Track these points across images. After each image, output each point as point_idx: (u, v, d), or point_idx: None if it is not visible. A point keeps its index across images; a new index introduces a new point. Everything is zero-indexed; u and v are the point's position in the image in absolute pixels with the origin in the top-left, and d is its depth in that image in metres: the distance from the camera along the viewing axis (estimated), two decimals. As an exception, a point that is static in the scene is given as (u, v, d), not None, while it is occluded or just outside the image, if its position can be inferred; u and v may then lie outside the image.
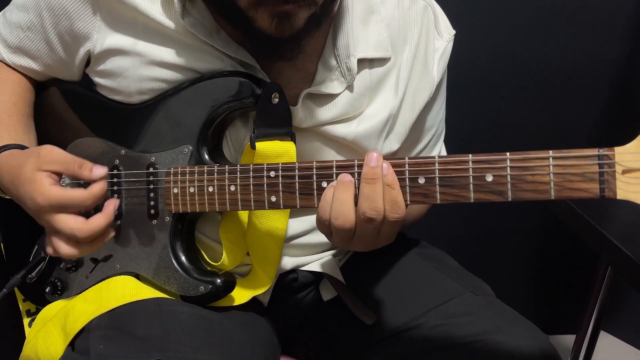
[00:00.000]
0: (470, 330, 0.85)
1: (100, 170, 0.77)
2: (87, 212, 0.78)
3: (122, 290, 0.83)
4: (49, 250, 0.79)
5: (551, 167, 0.62)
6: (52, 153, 0.78)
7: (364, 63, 0.84)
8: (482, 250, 1.73)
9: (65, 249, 0.77)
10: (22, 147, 0.84)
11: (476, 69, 1.52)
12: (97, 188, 0.77)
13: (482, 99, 1.57)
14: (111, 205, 0.79)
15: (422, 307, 0.90)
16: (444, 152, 1.04)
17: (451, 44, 0.91)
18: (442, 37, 0.90)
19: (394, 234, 0.73)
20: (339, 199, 0.69)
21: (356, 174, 0.70)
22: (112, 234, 0.80)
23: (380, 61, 0.86)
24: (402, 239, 1.04)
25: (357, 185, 0.70)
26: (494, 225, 1.69)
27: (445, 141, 1.04)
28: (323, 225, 0.72)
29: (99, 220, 0.76)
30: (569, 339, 1.65)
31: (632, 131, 1.53)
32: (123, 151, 0.85)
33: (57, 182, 0.77)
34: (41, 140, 0.92)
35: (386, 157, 0.91)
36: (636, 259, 0.90)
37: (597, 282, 1.43)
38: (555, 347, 0.87)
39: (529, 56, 1.54)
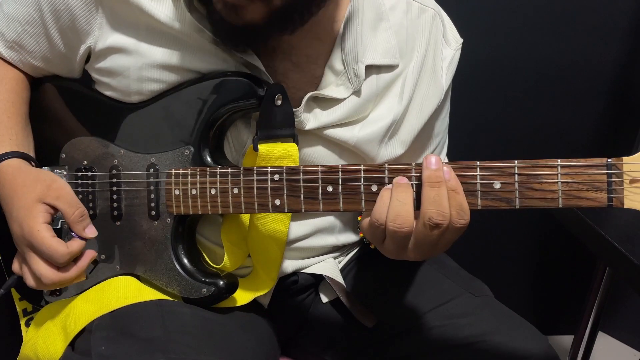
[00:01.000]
0: (470, 331, 0.86)
1: (91, 233, 0.82)
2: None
3: (124, 291, 0.83)
4: (16, 267, 0.83)
5: (559, 175, 0.62)
6: (63, 190, 0.81)
7: (371, 69, 0.84)
8: (481, 251, 1.73)
9: (30, 281, 0.80)
10: (25, 155, 0.84)
11: (476, 70, 1.52)
12: (77, 248, 0.79)
13: (482, 100, 1.57)
14: (87, 259, 0.81)
15: (421, 308, 0.91)
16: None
17: (459, 52, 0.91)
18: (450, 45, 0.90)
19: (452, 242, 0.70)
20: (397, 200, 0.67)
21: (362, 178, 0.70)
22: (83, 278, 0.83)
23: (388, 68, 0.85)
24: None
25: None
26: (493, 226, 1.69)
27: (448, 142, 1.04)
28: (377, 230, 0.69)
29: (70, 273, 0.79)
30: (567, 340, 1.66)
31: (631, 132, 1.53)
32: (122, 151, 0.85)
33: (50, 219, 0.79)
34: (36, 139, 0.91)
35: (388, 162, 0.92)
36: (635, 260, 0.90)
37: (595, 283, 1.43)
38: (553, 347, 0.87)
39: (528, 58, 1.54)
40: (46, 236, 0.77)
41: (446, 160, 1.03)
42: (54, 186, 0.80)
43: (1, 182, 0.82)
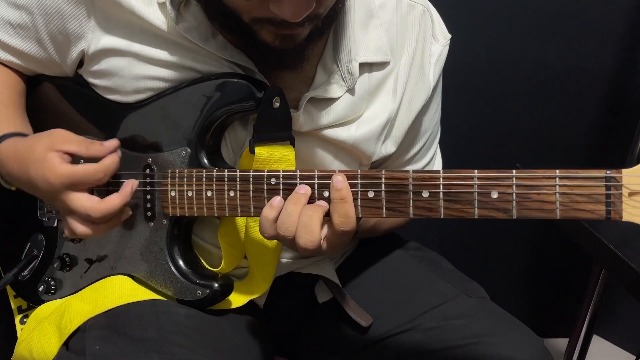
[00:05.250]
0: (465, 332, 0.86)
1: (111, 143, 0.79)
2: (106, 190, 0.79)
3: (119, 290, 0.83)
4: (66, 231, 0.80)
5: (557, 187, 0.61)
6: (65, 133, 0.79)
7: (364, 67, 0.84)
8: (477, 253, 1.73)
9: (81, 228, 0.77)
10: (24, 135, 0.84)
11: (472, 71, 1.52)
12: (109, 160, 0.77)
13: (477, 101, 1.58)
14: (129, 185, 0.79)
15: (417, 310, 0.91)
16: (438, 154, 1.04)
17: (447, 48, 0.91)
18: (437, 41, 0.90)
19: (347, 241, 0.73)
20: (286, 209, 0.70)
21: (359, 184, 0.69)
22: (130, 213, 0.81)
23: (380, 65, 0.86)
24: (397, 241, 1.05)
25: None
26: (489, 228, 1.70)
27: (441, 143, 1.04)
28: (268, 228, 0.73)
29: (114, 201, 0.77)
30: (562, 343, 1.66)
31: (628, 133, 1.54)
32: (118, 151, 0.85)
33: (68, 161, 0.77)
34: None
35: (382, 160, 0.92)
36: (631, 263, 0.90)
37: (590, 286, 1.43)
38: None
39: (524, 59, 1.54)
40: (71, 167, 0.75)
41: (439, 157, 1.03)
42: (55, 134, 0.79)
43: (5, 159, 0.81)
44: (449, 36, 0.92)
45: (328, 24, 0.77)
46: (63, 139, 0.78)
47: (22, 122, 0.89)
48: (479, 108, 1.59)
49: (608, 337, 1.85)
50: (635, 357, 1.70)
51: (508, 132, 1.61)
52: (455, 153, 1.26)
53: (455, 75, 0.94)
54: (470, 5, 1.47)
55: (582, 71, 1.57)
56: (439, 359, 0.86)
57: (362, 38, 0.84)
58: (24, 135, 0.84)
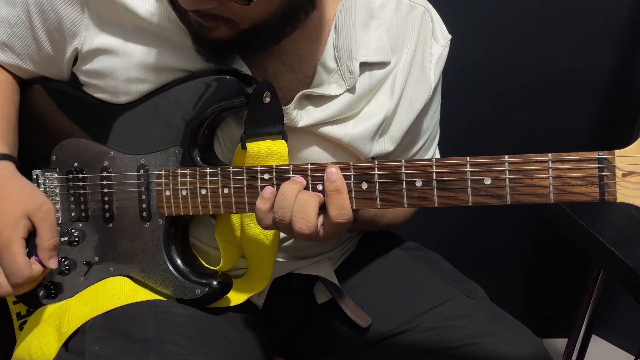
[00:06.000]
0: (464, 333, 0.85)
1: (54, 264, 0.81)
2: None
3: (117, 291, 0.83)
4: None
5: (550, 170, 0.61)
6: (50, 214, 0.81)
7: (364, 66, 0.84)
8: (476, 254, 1.73)
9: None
10: (16, 160, 0.84)
11: (471, 72, 1.52)
12: (38, 273, 0.79)
13: (476, 102, 1.58)
14: (34, 284, 0.81)
15: (416, 310, 0.90)
16: (437, 154, 1.04)
17: (447, 48, 0.92)
18: (438, 42, 0.91)
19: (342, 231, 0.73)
20: (281, 193, 0.71)
21: (352, 176, 0.70)
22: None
23: (380, 65, 0.86)
24: (396, 241, 1.04)
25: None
26: (488, 229, 1.70)
27: (440, 143, 1.04)
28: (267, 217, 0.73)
29: (20, 290, 0.79)
30: (561, 343, 1.66)
31: (626, 134, 1.54)
32: (112, 152, 0.84)
33: (26, 236, 0.79)
34: (26, 142, 0.90)
35: (378, 158, 0.92)
36: (630, 263, 0.90)
37: (589, 286, 1.43)
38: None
39: (523, 59, 1.55)
40: (19, 252, 0.77)
41: (438, 155, 1.03)
42: (44, 208, 0.80)
43: None
44: (449, 37, 0.92)
45: (268, 40, 0.77)
46: (44, 216, 0.80)
47: (14, 137, 0.88)
48: (478, 108, 1.59)
49: (607, 337, 1.85)
50: (634, 357, 1.70)
51: (507, 133, 1.61)
52: (455, 153, 1.25)
53: (455, 75, 0.93)
54: (470, 5, 1.48)
55: (582, 71, 1.57)
56: (438, 359, 0.85)
57: (362, 38, 0.84)
58: (16, 160, 0.84)
